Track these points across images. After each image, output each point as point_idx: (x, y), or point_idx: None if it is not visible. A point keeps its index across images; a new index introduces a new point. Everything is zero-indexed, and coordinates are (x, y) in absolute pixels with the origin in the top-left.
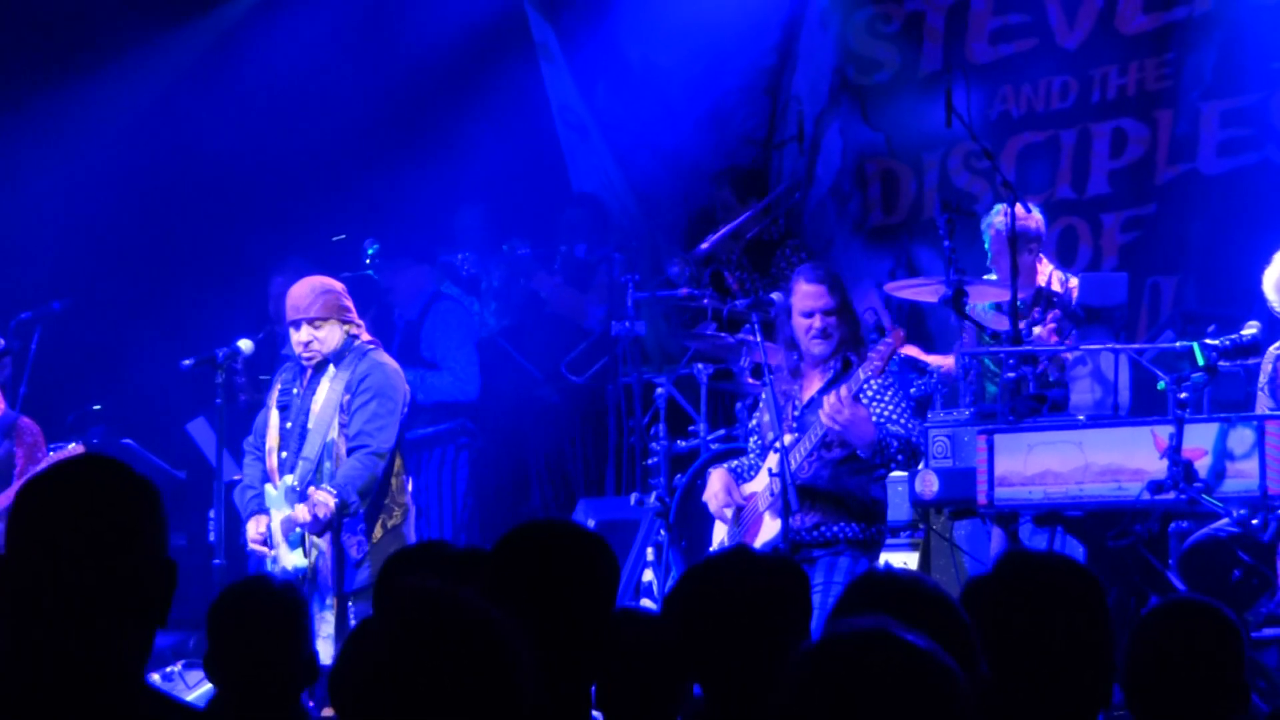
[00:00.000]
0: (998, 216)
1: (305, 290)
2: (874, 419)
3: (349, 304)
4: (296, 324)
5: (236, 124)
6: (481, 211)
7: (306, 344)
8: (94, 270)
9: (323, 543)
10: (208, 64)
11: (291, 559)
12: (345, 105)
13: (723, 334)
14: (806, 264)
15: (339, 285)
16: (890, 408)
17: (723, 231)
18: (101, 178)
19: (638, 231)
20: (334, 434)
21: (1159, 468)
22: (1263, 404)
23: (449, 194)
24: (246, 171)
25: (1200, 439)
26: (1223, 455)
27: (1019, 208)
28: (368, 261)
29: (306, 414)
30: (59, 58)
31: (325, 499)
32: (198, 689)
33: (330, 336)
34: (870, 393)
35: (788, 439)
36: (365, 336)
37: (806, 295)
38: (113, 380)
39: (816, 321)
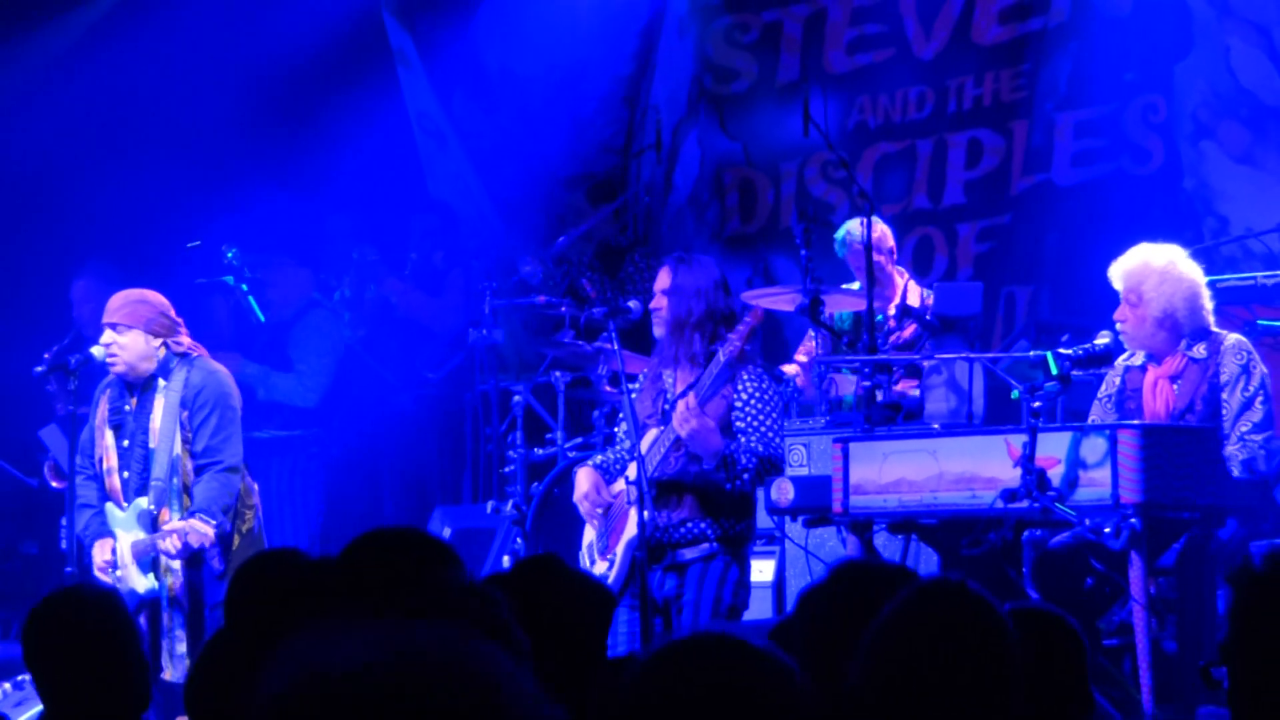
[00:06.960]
0: (855, 227)
1: (120, 298)
2: (737, 424)
3: (168, 321)
4: (102, 328)
5: (95, 124)
6: (345, 221)
7: (108, 346)
8: None
9: (175, 562)
10: (58, 67)
11: (143, 582)
12: (200, 111)
13: (580, 342)
14: None
15: (159, 299)
16: (757, 419)
17: (575, 232)
18: None
19: (495, 239)
20: (178, 449)
21: (1012, 476)
22: (1097, 414)
23: (305, 200)
24: (99, 175)
25: (1053, 448)
26: (1075, 464)
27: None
28: (227, 263)
29: (146, 433)
30: None
31: (204, 529)
32: None
33: (131, 346)
34: (744, 396)
35: (654, 433)
36: (187, 343)
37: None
38: None
39: (655, 302)
